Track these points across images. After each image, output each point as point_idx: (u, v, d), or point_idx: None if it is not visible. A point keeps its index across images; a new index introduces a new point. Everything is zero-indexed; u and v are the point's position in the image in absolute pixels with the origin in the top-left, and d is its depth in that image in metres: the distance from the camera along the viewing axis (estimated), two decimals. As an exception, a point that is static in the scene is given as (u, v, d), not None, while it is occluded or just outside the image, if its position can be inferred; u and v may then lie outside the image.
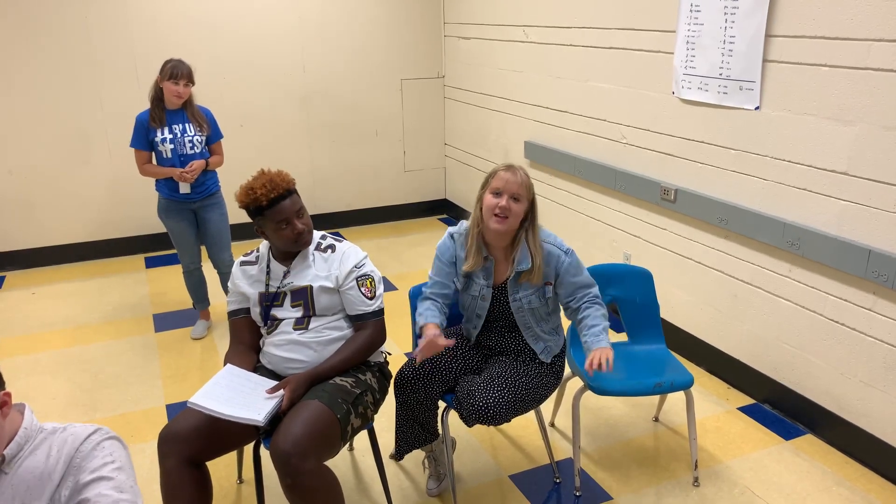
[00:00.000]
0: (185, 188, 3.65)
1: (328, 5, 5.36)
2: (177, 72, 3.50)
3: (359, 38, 5.54)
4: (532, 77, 4.59)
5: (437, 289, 2.43)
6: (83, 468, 1.44)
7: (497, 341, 2.48)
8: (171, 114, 3.61)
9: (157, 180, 3.71)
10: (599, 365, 2.17)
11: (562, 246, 2.37)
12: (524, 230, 2.32)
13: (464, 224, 2.44)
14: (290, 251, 2.37)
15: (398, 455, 2.55)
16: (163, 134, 3.59)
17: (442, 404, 2.49)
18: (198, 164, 3.61)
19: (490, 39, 5.05)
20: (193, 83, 3.60)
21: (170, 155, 3.61)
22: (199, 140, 3.67)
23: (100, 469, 1.43)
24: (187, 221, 3.78)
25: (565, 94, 4.25)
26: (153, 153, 3.65)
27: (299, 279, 2.35)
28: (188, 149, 3.63)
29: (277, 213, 2.26)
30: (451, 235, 2.44)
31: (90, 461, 1.44)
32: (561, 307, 2.48)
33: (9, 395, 1.44)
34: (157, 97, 3.58)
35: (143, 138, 3.60)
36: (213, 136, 3.77)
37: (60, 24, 4.70)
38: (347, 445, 2.90)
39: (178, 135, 3.61)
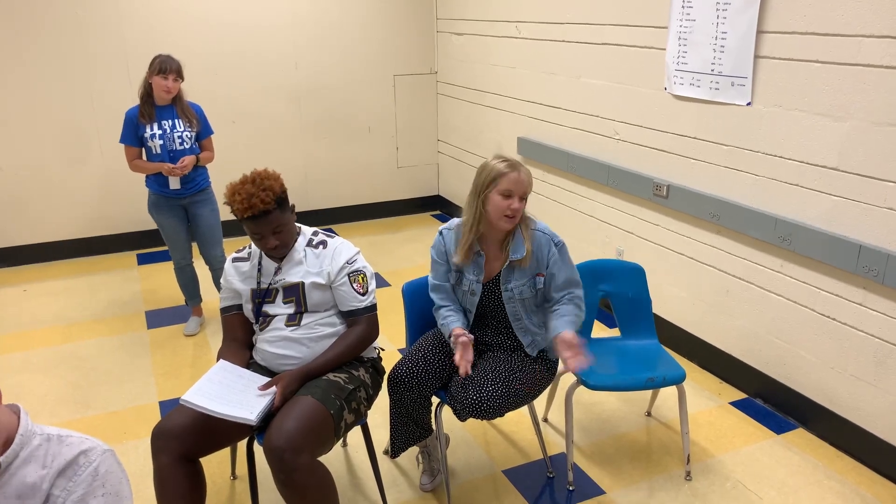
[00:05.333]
0: (174, 184, 3.63)
1: (321, 1, 5.34)
2: (166, 66, 3.48)
3: (351, 35, 5.52)
4: (525, 73, 4.58)
5: (442, 293, 2.48)
6: (73, 492, 1.39)
7: (492, 337, 2.49)
8: (160, 109, 3.59)
9: (146, 176, 3.69)
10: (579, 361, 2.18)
11: (553, 237, 2.40)
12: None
13: (455, 221, 2.46)
14: None
15: (394, 453, 2.55)
16: (152, 130, 3.57)
17: (435, 400, 2.49)
18: (188, 160, 3.59)
19: (483, 35, 5.04)
20: (183, 78, 3.57)
21: (159, 151, 3.59)
22: (189, 136, 3.65)
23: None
24: (178, 217, 3.76)
25: (558, 90, 4.25)
26: (143, 149, 3.63)
27: (291, 275, 2.34)
28: (178, 144, 3.61)
29: (252, 227, 2.23)
30: (441, 232, 2.48)
31: (80, 487, 1.40)
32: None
33: None
34: (147, 93, 3.56)
35: (133, 134, 3.58)
36: (203, 131, 3.75)
37: (51, 20, 4.66)
38: (341, 441, 2.90)
39: (168, 130, 3.59)
